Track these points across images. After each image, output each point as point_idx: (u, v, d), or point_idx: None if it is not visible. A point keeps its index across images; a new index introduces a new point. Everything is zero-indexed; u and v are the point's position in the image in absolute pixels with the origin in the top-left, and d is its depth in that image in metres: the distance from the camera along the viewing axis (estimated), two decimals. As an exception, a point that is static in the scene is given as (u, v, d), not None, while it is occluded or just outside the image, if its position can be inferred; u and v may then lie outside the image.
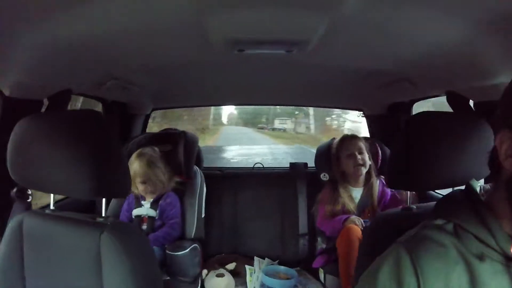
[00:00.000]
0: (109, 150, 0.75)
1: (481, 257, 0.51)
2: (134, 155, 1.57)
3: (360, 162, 1.60)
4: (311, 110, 10.52)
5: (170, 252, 1.44)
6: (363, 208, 1.62)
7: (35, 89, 1.05)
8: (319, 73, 1.45)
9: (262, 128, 15.85)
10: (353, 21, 0.83)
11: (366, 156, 1.63)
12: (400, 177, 0.82)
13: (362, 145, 1.64)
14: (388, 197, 1.62)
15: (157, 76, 1.47)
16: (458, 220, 0.54)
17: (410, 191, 0.90)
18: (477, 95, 1.10)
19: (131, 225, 0.84)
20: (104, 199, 0.84)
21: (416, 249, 0.52)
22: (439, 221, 0.56)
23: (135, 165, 1.53)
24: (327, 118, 11.72)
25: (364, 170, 1.62)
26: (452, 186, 0.74)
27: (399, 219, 0.83)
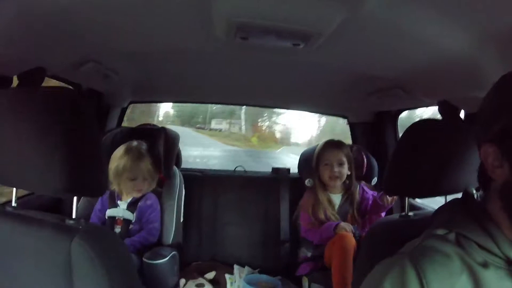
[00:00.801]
0: (86, 140, 0.64)
1: (485, 265, 0.51)
2: (122, 149, 1.43)
3: (336, 174, 1.59)
4: (242, 113, 11.87)
5: (148, 261, 1.30)
6: (344, 214, 1.61)
7: (2, 63, 0.90)
8: (315, 74, 1.41)
9: (200, 128, 16.51)
10: (369, 20, 0.80)
11: (345, 168, 1.61)
12: (398, 183, 0.82)
13: (344, 156, 1.61)
14: (370, 202, 1.62)
15: (141, 63, 1.34)
16: (460, 229, 0.55)
17: (408, 197, 0.89)
18: (471, 106, 1.12)
19: (106, 229, 0.74)
20: (75, 198, 0.71)
21: (421, 261, 0.51)
22: (441, 231, 0.56)
23: (123, 160, 1.39)
24: (259, 119, 13.09)
25: (339, 182, 1.61)
26: (450, 193, 0.75)
27: (397, 226, 0.82)
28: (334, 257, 1.40)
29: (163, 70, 1.46)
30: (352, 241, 1.41)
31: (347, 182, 1.63)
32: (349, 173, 1.62)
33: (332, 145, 1.65)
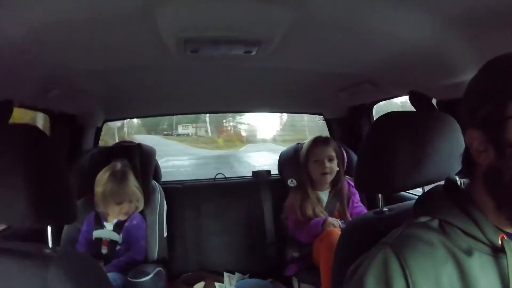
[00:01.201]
0: (51, 172, 0.66)
1: (469, 251, 0.51)
2: (107, 173, 1.44)
3: (327, 170, 1.59)
4: (207, 116, 12.03)
5: (131, 280, 1.29)
6: (332, 210, 1.61)
7: None
8: (279, 77, 1.41)
9: (168, 135, 16.65)
10: (318, 19, 0.80)
11: (335, 163, 1.61)
12: (368, 180, 0.79)
13: (333, 152, 1.62)
14: (357, 195, 1.64)
15: (107, 81, 1.34)
16: (443, 215, 0.54)
17: (379, 194, 0.87)
18: (441, 93, 1.13)
19: (83, 255, 0.74)
20: (49, 227, 0.70)
21: (403, 250, 0.51)
22: (423, 218, 0.55)
23: (109, 185, 1.41)
24: (223, 121, 13.38)
25: (330, 178, 1.60)
26: (425, 185, 0.73)
27: (373, 222, 0.80)
28: (322, 253, 1.40)
29: (128, 87, 1.46)
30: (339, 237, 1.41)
31: (335, 178, 1.62)
32: (337, 169, 1.62)
33: (321, 141, 1.64)
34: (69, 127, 1.66)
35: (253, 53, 0.98)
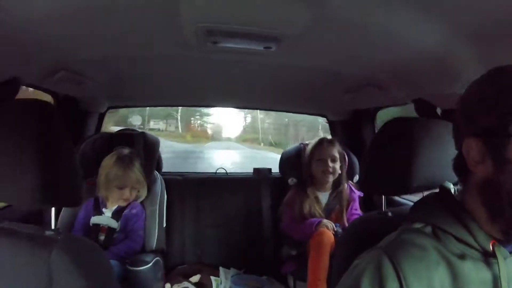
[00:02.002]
0: (59, 151, 0.64)
1: (462, 257, 0.51)
2: (113, 157, 1.43)
3: (330, 170, 1.60)
4: (178, 114, 13.51)
5: (131, 268, 1.29)
6: (329, 212, 1.62)
7: None
8: (288, 75, 1.42)
9: (140, 128, 16.39)
10: (335, 18, 0.81)
11: (338, 164, 1.62)
12: (373, 182, 0.82)
13: (337, 153, 1.63)
14: (357, 202, 1.65)
15: (116, 69, 1.32)
16: (437, 222, 0.54)
17: (384, 195, 0.90)
18: (445, 102, 1.13)
19: (86, 240, 0.73)
20: (53, 208, 0.70)
21: (397, 254, 0.51)
22: (417, 225, 0.56)
23: (114, 169, 1.40)
24: (192, 119, 14.76)
25: (331, 178, 1.61)
26: (427, 190, 0.74)
27: (375, 223, 0.82)
28: (311, 251, 1.43)
29: (137, 76, 1.44)
30: (330, 238, 1.43)
31: (337, 180, 1.63)
32: (339, 171, 1.63)
33: (326, 141, 1.66)
34: (73, 111, 1.65)
35: (273, 49, 0.98)
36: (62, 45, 0.97)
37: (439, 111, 1.21)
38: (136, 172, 1.46)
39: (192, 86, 1.64)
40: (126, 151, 1.48)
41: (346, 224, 1.58)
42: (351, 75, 1.31)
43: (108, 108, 1.89)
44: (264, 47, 0.98)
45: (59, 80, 1.20)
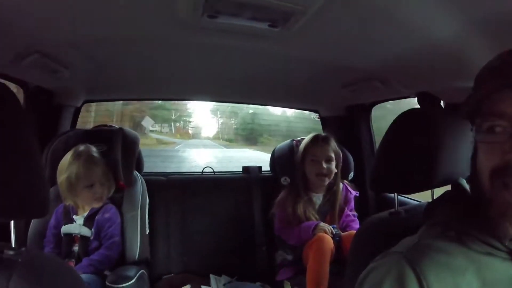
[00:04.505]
0: (20, 148, 0.51)
1: (490, 255, 0.50)
2: (69, 156, 1.25)
3: (324, 172, 1.50)
4: (173, 117, 16.88)
5: (111, 285, 1.13)
6: (324, 214, 1.54)
7: None
8: (284, 67, 1.33)
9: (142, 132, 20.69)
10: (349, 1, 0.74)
11: (333, 165, 1.52)
12: (386, 179, 0.77)
13: (332, 153, 1.52)
14: (352, 202, 1.57)
15: (94, 55, 1.17)
16: (459, 224, 0.52)
17: (395, 193, 0.85)
18: (452, 96, 1.11)
19: (52, 259, 0.60)
20: (12, 222, 0.57)
21: (420, 261, 0.48)
22: (438, 228, 0.54)
23: (74, 167, 1.22)
24: (177, 124, 17.73)
25: (327, 181, 1.52)
26: (442, 186, 0.72)
27: (388, 223, 0.78)
28: (310, 258, 1.34)
29: (119, 63, 1.29)
30: (330, 243, 1.35)
31: (332, 181, 1.54)
32: (335, 171, 1.53)
33: (321, 139, 1.54)
34: (45, 104, 1.47)
35: (278, 28, 0.88)
36: (35, 23, 0.83)
37: (442, 104, 1.18)
38: (101, 166, 1.30)
39: (178, 77, 1.51)
40: (82, 147, 1.31)
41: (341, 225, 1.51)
42: (353, 68, 1.24)
43: (84, 102, 1.72)
44: (269, 25, 0.86)
45: (31, 65, 1.05)
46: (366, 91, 1.45)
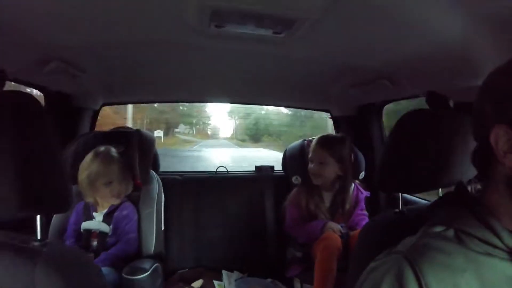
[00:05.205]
0: (44, 151, 0.56)
1: (488, 255, 0.49)
2: (90, 156, 1.33)
3: (311, 171, 1.53)
4: (194, 122, 21.11)
5: (127, 276, 1.19)
6: (333, 213, 1.56)
7: None
8: (293, 68, 1.35)
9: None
10: (354, 3, 0.75)
11: (327, 168, 1.52)
12: (391, 179, 0.77)
13: (327, 156, 1.52)
14: (363, 202, 1.58)
15: (110, 60, 1.24)
16: (459, 225, 0.52)
17: (400, 193, 0.85)
18: (461, 95, 1.09)
19: (76, 251, 0.65)
20: (38, 217, 0.62)
21: (419, 260, 0.48)
22: (438, 228, 0.54)
23: (94, 166, 1.30)
24: (197, 126, 22.01)
25: (319, 181, 1.54)
26: (447, 186, 0.72)
27: (392, 223, 0.78)
28: (318, 256, 1.36)
29: (135, 66, 1.35)
30: (337, 243, 1.36)
31: (339, 183, 1.55)
32: (341, 174, 1.54)
33: (319, 142, 1.57)
34: (65, 107, 1.55)
35: (282, 35, 0.90)
36: (52, 33, 0.88)
37: (451, 103, 1.17)
38: (119, 165, 1.37)
39: (191, 80, 1.56)
40: (102, 148, 1.38)
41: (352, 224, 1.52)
42: (361, 68, 1.25)
43: (103, 105, 1.79)
44: (273, 32, 0.89)
45: (51, 72, 1.11)
46: (376, 91, 1.45)
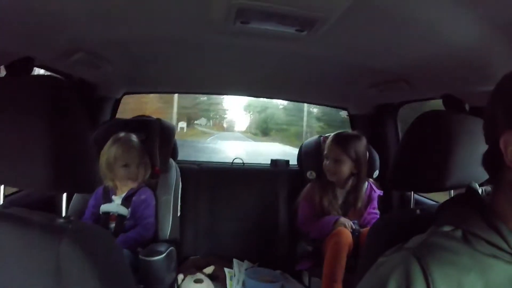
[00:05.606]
0: (75, 133, 0.60)
1: (494, 257, 0.50)
2: (110, 141, 1.40)
3: (326, 168, 1.55)
4: (211, 115, 23.74)
5: (144, 258, 1.25)
6: (346, 210, 1.57)
7: None
8: (313, 66, 1.36)
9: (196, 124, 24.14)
10: (377, 4, 0.76)
11: (342, 166, 1.53)
12: (404, 177, 0.79)
13: (343, 155, 1.53)
14: (375, 201, 1.59)
15: (135, 52, 1.27)
16: (467, 226, 0.53)
17: (414, 192, 0.87)
18: (476, 99, 1.09)
19: (98, 229, 0.69)
20: (65, 195, 0.66)
21: (426, 257, 0.50)
22: (447, 228, 0.55)
23: (113, 149, 1.37)
24: (213, 119, 24.77)
25: (333, 178, 1.55)
26: (458, 187, 0.73)
27: (404, 222, 0.79)
28: (328, 251, 1.38)
29: (158, 59, 1.39)
30: (348, 238, 1.38)
31: (353, 180, 1.57)
32: (355, 171, 1.55)
33: (334, 139, 1.57)
34: (87, 95, 1.61)
35: (304, 32, 0.93)
36: (81, 24, 0.91)
37: (467, 107, 1.17)
38: (137, 148, 1.42)
39: (212, 73, 1.59)
40: (122, 133, 1.44)
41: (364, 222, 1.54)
42: (380, 69, 1.25)
43: (124, 94, 1.85)
44: (296, 30, 0.92)
45: (77, 61, 1.16)
46: (393, 92, 1.45)
